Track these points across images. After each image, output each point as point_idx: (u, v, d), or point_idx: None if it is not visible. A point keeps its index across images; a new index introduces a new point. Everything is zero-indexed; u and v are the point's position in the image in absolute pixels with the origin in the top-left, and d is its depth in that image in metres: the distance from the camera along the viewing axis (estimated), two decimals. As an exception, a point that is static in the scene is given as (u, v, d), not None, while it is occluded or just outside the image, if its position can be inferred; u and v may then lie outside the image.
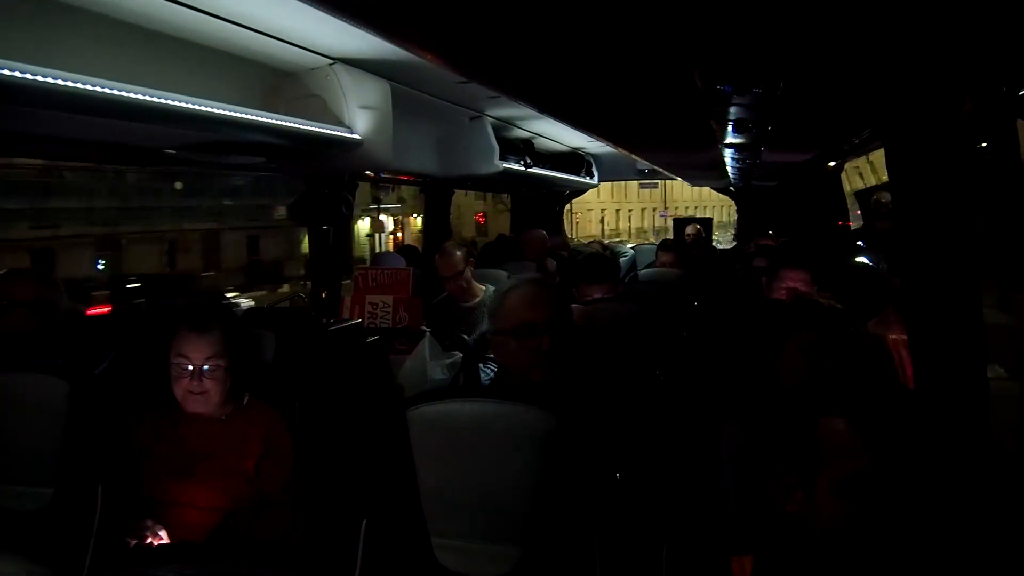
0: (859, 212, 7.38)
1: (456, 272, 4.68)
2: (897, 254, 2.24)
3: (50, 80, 2.06)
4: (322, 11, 2.22)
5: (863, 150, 6.44)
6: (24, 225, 25.29)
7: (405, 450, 2.10)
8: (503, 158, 5.54)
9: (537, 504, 2.03)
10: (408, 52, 2.79)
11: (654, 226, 55.86)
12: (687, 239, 9.45)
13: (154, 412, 2.64)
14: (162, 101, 2.45)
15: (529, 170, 6.35)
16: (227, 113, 2.75)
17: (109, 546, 2.38)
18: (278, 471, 2.61)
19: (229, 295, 22.97)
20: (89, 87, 2.18)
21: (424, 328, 4.22)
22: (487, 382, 3.35)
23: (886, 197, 5.65)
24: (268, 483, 2.58)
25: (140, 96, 2.35)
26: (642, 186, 30.15)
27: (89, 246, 27.28)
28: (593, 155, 8.82)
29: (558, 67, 2.99)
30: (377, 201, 34.72)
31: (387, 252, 9.75)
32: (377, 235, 35.96)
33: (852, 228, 7.83)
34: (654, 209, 58.89)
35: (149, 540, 2.38)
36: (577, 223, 49.27)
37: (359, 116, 3.47)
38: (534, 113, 4.95)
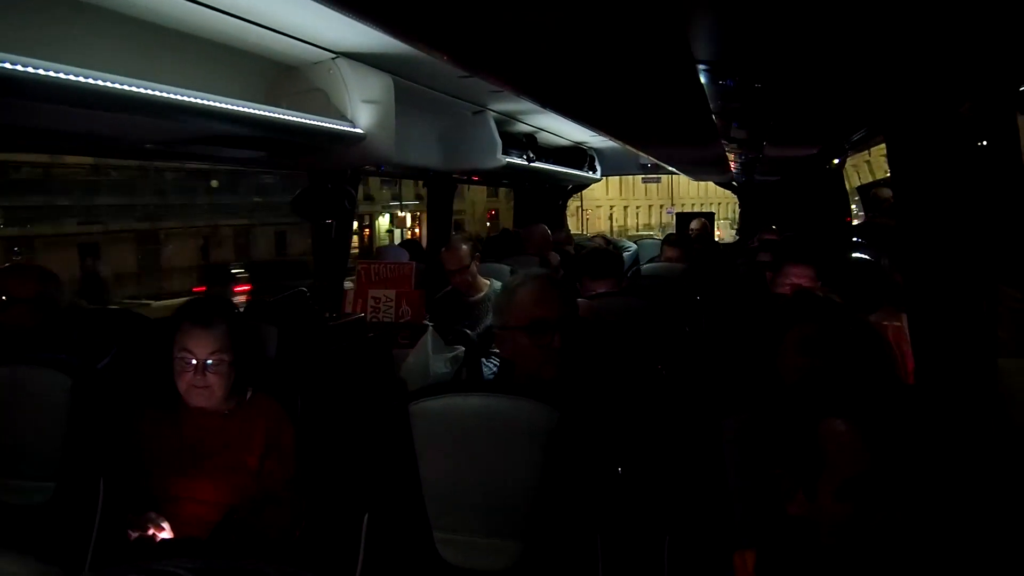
0: (860, 208, 7.38)
1: (462, 266, 4.69)
2: (898, 249, 2.24)
3: (52, 74, 2.07)
4: (325, 5, 2.22)
5: (865, 146, 6.43)
6: (73, 221, 26.97)
7: (407, 445, 2.10)
8: (506, 152, 5.54)
9: (539, 499, 2.03)
10: (411, 46, 2.78)
11: (660, 222, 56.27)
12: (691, 234, 9.44)
13: (157, 407, 2.64)
14: (164, 95, 2.45)
15: (532, 164, 6.34)
16: (230, 107, 2.76)
17: (111, 540, 2.38)
18: (281, 466, 2.61)
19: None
20: (91, 81, 2.18)
21: (427, 322, 4.22)
22: (490, 377, 3.36)
23: (886, 193, 5.65)
24: (271, 478, 2.59)
25: (142, 90, 2.36)
26: (644, 180, 30.08)
27: (131, 241, 29.01)
28: (596, 149, 8.82)
29: (561, 61, 2.99)
30: (397, 198, 36.82)
31: (390, 245, 9.75)
32: (397, 230, 37.62)
33: (853, 224, 7.81)
34: (661, 205, 59.41)
35: (152, 533, 2.39)
36: (587, 219, 51.19)
37: (362, 110, 3.47)
38: (537, 107, 4.94)
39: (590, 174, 8.99)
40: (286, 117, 3.09)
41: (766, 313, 2.57)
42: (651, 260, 7.36)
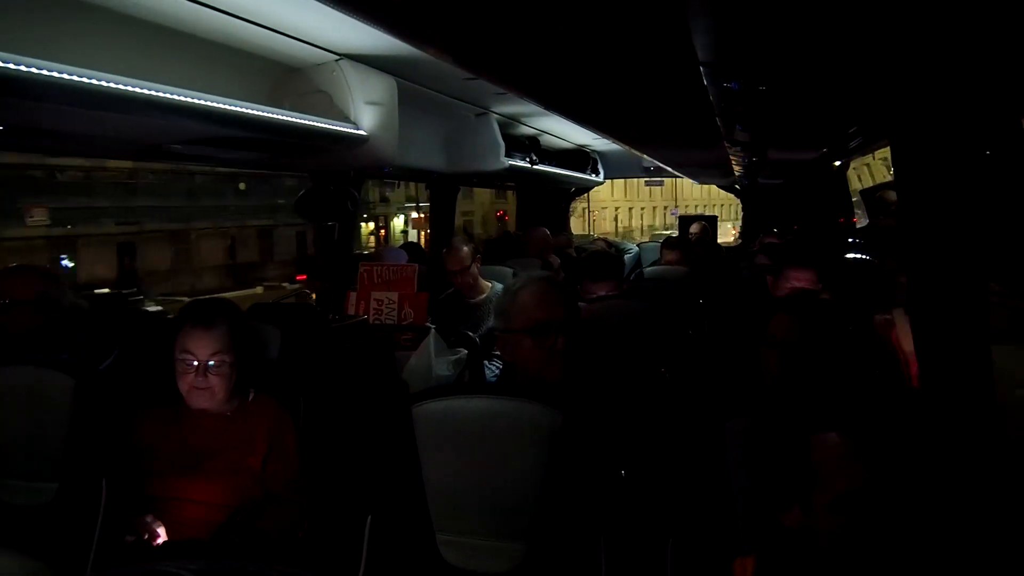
0: (864, 213, 7.38)
1: (463, 267, 4.70)
2: (902, 252, 2.24)
3: (55, 74, 2.07)
4: (329, 6, 2.22)
5: (868, 149, 6.43)
6: (111, 221, 28.74)
7: (410, 447, 2.09)
8: (509, 155, 5.54)
9: (542, 501, 2.02)
10: (414, 48, 2.79)
11: (664, 223, 56.76)
12: (692, 237, 9.43)
13: (159, 408, 2.64)
14: (168, 96, 2.45)
15: (535, 167, 6.34)
16: (233, 108, 2.75)
17: (113, 541, 2.38)
18: (283, 467, 2.60)
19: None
20: (94, 81, 2.18)
21: (429, 324, 4.22)
22: (492, 379, 3.36)
23: (893, 196, 5.65)
24: (273, 479, 2.58)
25: (145, 91, 2.36)
26: (647, 184, 30.10)
27: (165, 240, 30.84)
28: (599, 152, 8.82)
29: (564, 64, 2.99)
30: (411, 199, 37.87)
31: (389, 247, 9.76)
32: (412, 231, 38.54)
33: (857, 226, 7.81)
34: (665, 207, 59.83)
35: (148, 537, 2.38)
36: (594, 220, 52.40)
37: (365, 112, 3.46)
38: (540, 110, 4.94)
39: (593, 177, 8.99)
40: (289, 119, 3.09)
41: (767, 316, 2.57)
42: (653, 263, 7.35)
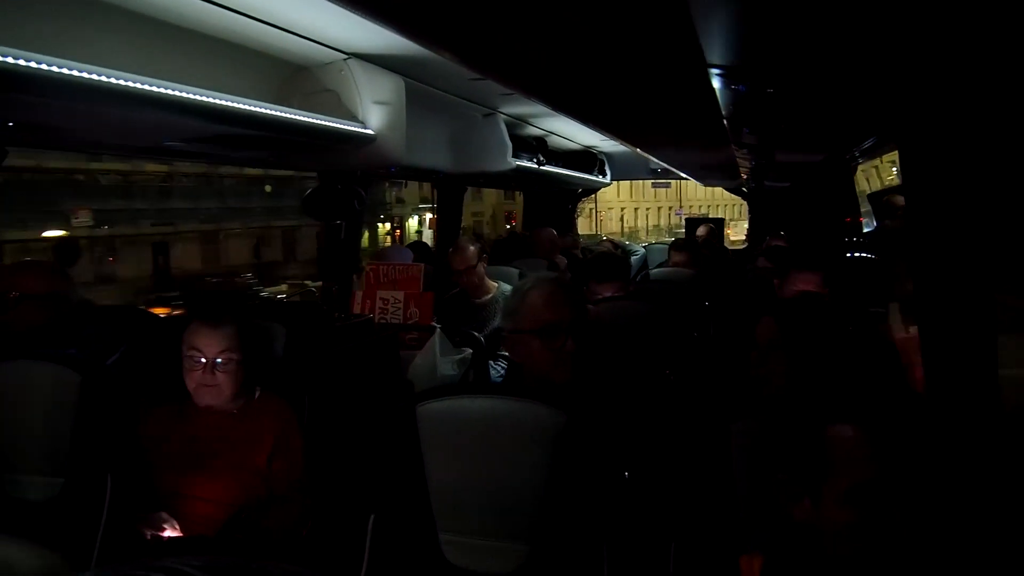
0: (872, 217, 7.36)
1: (469, 266, 4.70)
2: (909, 254, 2.23)
3: (64, 71, 2.07)
4: (338, 5, 2.22)
5: (876, 153, 6.41)
6: (147, 222, 30.13)
7: (414, 446, 2.10)
8: (516, 155, 5.53)
9: (546, 502, 2.02)
10: (422, 47, 2.78)
11: (670, 224, 57.08)
12: (698, 239, 9.41)
13: (165, 405, 2.65)
14: (175, 93, 2.45)
15: (542, 168, 6.34)
16: (240, 107, 2.76)
17: (118, 536, 2.39)
18: (288, 465, 2.61)
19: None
20: (102, 78, 2.18)
21: (435, 324, 4.22)
22: (497, 379, 3.36)
23: (899, 200, 5.64)
24: (278, 477, 2.59)
25: (152, 88, 2.36)
26: (654, 186, 30.10)
27: (196, 240, 32.36)
28: (606, 154, 8.81)
29: (572, 64, 2.99)
30: (426, 200, 38.36)
31: (393, 246, 9.77)
32: (428, 230, 38.92)
33: (865, 230, 7.79)
34: (670, 208, 60.28)
35: (164, 532, 2.39)
36: (601, 221, 53.08)
37: (372, 111, 3.47)
38: (547, 111, 4.94)
39: (600, 178, 8.98)
40: (297, 117, 3.09)
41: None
42: (660, 265, 7.35)
